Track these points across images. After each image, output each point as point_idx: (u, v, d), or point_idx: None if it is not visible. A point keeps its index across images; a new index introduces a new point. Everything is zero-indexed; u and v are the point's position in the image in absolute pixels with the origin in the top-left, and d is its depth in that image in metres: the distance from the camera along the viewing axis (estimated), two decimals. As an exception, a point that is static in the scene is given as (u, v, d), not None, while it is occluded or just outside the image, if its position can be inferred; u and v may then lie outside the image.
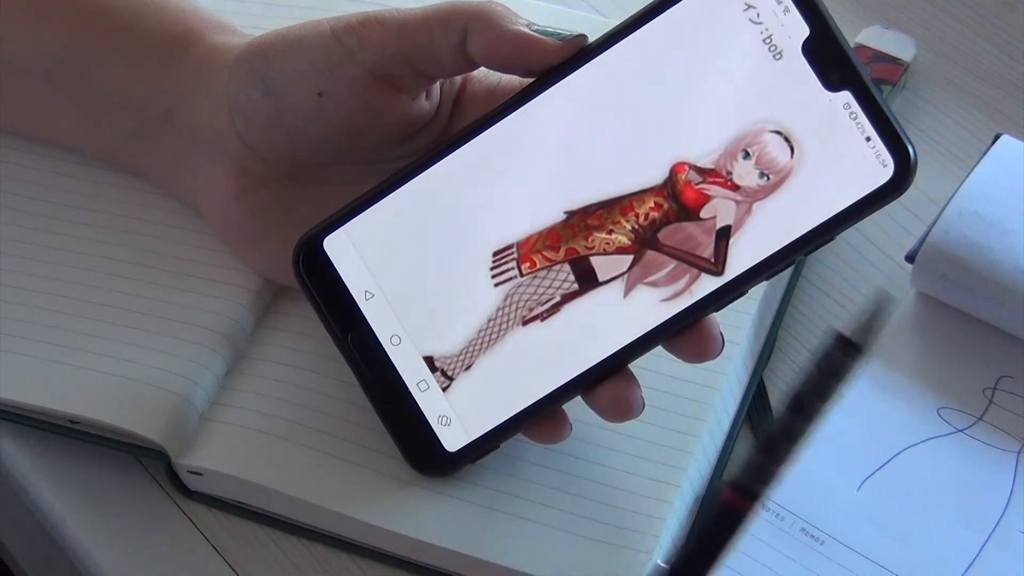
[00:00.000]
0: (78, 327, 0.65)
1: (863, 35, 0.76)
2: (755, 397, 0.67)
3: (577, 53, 0.60)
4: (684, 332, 0.59)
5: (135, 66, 0.65)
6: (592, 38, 0.60)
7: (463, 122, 0.63)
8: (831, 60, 0.57)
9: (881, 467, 0.64)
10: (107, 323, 0.65)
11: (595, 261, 0.60)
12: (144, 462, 0.65)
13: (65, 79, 0.66)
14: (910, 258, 0.67)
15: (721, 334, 0.59)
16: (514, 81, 0.63)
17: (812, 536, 0.62)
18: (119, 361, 0.64)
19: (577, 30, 0.60)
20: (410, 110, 0.62)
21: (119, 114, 0.66)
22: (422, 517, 0.61)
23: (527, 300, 0.60)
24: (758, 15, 0.58)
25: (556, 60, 0.59)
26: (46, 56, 0.66)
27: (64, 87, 0.67)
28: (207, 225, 0.67)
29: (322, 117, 0.62)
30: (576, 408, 0.61)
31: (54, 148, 0.70)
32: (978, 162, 0.69)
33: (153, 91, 0.65)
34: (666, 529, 0.61)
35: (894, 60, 0.75)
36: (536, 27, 0.60)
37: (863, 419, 0.65)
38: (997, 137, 0.70)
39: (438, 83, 0.63)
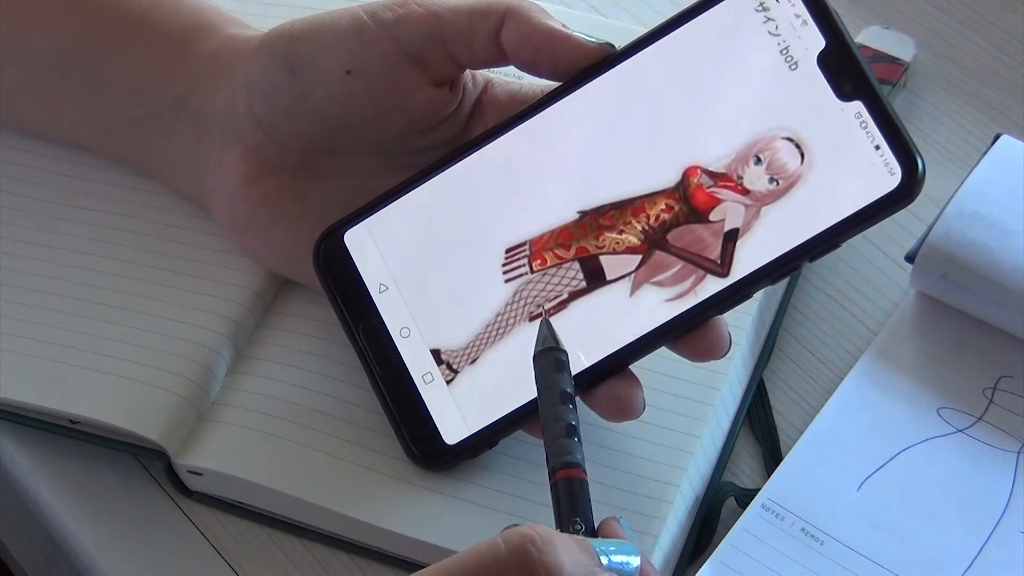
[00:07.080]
0: (79, 327, 0.65)
1: (863, 35, 0.76)
2: (755, 397, 0.67)
3: (601, 60, 0.61)
4: (693, 330, 0.60)
5: (147, 55, 0.65)
6: (594, 39, 0.61)
7: (482, 123, 0.64)
8: (845, 71, 0.58)
9: (881, 467, 0.64)
10: (107, 323, 0.65)
11: (604, 260, 0.61)
12: (144, 462, 0.65)
13: (74, 68, 0.66)
14: (910, 258, 0.67)
15: (729, 334, 0.60)
16: (535, 87, 0.64)
17: (812, 536, 0.62)
18: (119, 361, 0.64)
19: (578, 30, 0.61)
20: (435, 97, 0.63)
21: (127, 103, 0.66)
22: (422, 517, 0.61)
23: (535, 296, 0.61)
24: (776, 27, 0.59)
25: (586, 60, 0.61)
26: (56, 45, 0.66)
27: (72, 76, 0.67)
28: (213, 214, 0.67)
29: (349, 97, 0.62)
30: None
31: (55, 147, 0.70)
32: (978, 162, 0.69)
33: (165, 80, 0.65)
34: (666, 529, 0.61)
35: (894, 60, 0.75)
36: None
37: (863, 419, 0.65)
38: (997, 137, 0.70)
39: (463, 77, 0.64)
